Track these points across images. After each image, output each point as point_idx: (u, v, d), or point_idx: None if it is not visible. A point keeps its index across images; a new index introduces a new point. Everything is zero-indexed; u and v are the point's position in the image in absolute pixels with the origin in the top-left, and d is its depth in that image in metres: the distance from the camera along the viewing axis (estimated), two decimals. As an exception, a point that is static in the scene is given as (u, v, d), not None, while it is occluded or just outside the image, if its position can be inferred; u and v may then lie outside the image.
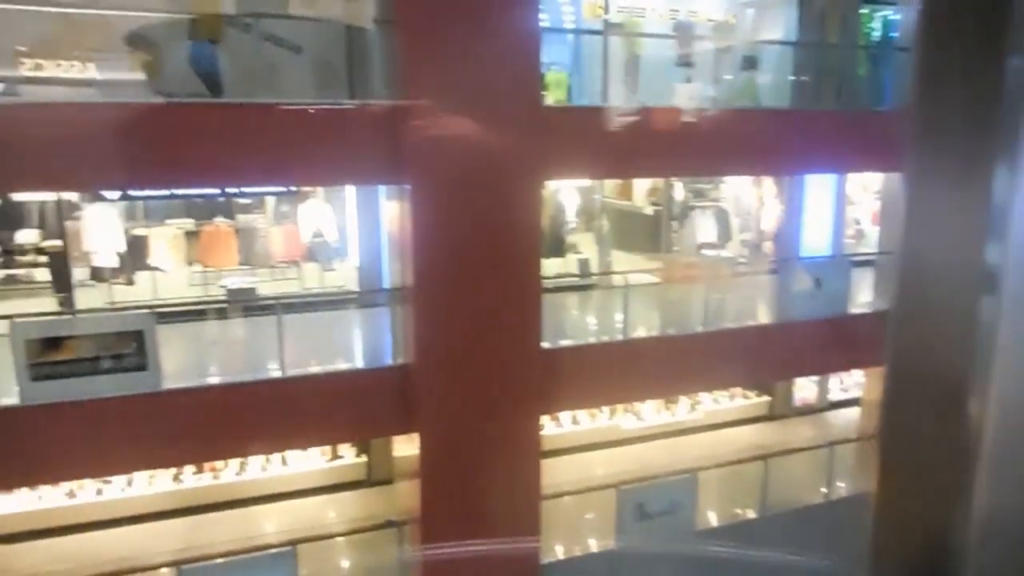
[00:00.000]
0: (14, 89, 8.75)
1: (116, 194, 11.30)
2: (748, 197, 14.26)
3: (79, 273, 11.45)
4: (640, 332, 9.92)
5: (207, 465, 11.01)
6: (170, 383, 7.37)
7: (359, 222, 11.32)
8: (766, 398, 14.23)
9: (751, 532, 10.97)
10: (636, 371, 9.14)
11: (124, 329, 7.21)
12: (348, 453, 11.79)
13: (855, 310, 10.77)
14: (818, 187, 13.21)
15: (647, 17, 12.51)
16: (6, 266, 12.41)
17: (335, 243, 12.46)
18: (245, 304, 10.40)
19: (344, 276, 12.61)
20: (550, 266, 12.42)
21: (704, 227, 13.75)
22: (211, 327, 10.28)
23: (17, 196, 12.05)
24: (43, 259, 12.01)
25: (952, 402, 1.11)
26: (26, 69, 8.99)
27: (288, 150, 7.27)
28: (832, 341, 10.49)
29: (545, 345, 8.14)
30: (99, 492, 10.59)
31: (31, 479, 8.37)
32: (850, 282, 10.55)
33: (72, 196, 11.34)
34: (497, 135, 7.33)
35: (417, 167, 7.22)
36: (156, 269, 12.03)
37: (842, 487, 11.83)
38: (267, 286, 12.02)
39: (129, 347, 7.16)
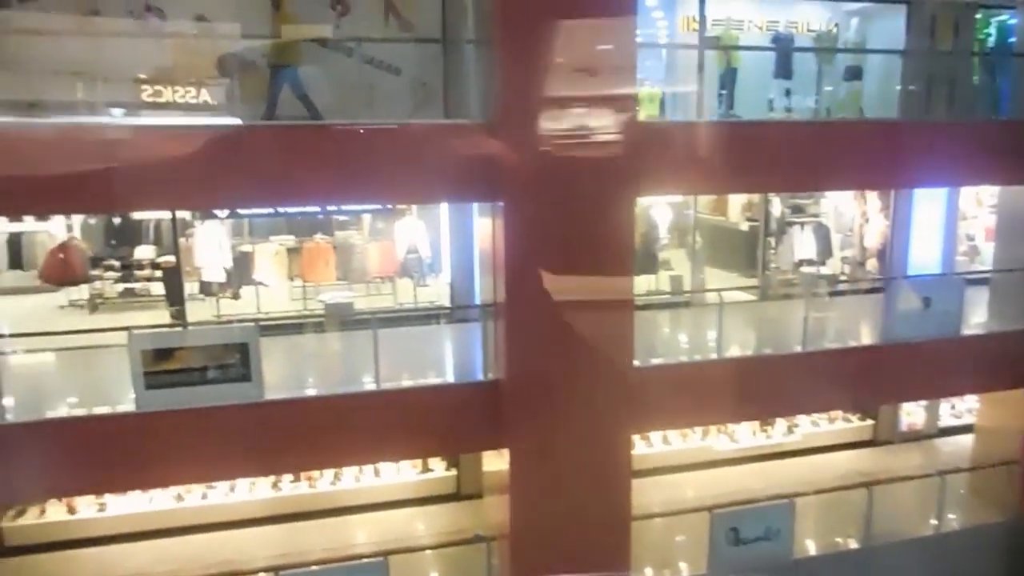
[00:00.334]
0: (135, 114, 9.33)
1: (225, 212, 11.89)
2: (851, 212, 13.69)
3: (190, 287, 12.07)
4: (734, 351, 9.64)
5: (304, 474, 11.35)
6: (271, 394, 7.65)
7: (452, 239, 11.50)
8: (869, 422, 13.54)
9: (853, 563, 10.43)
10: (730, 391, 8.88)
11: (230, 341, 7.55)
12: (438, 467, 11.92)
13: (969, 331, 10.15)
14: (928, 201, 12.54)
15: (744, 29, 12.26)
16: (125, 280, 13.22)
17: (428, 259, 12.69)
18: (342, 318, 10.72)
19: (437, 292, 12.83)
20: (642, 283, 12.27)
21: (803, 243, 13.28)
22: (309, 340, 10.63)
23: (136, 214, 12.88)
24: (158, 274, 12.75)
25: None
26: (146, 95, 9.60)
27: (385, 169, 7.46)
28: (943, 364, 9.92)
29: (637, 363, 8.02)
30: (204, 496, 11.07)
31: (144, 482, 8.84)
32: (963, 302, 9.96)
33: (185, 214, 11.98)
34: (590, 152, 7.32)
35: (510, 184, 7.27)
36: (260, 284, 12.55)
37: (954, 519, 11.12)
38: (363, 301, 12.36)
39: (234, 358, 7.49)
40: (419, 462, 11.83)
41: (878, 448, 13.38)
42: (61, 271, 11.99)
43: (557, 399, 7.70)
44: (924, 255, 12.52)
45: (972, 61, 11.22)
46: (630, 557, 8.28)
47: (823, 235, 13.56)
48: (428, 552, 10.05)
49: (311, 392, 8.41)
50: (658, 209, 13.37)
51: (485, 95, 7.82)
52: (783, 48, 11.22)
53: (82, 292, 12.85)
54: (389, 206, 12.56)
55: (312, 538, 10.54)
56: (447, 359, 10.04)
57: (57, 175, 6.71)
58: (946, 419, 13.87)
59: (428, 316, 11.88)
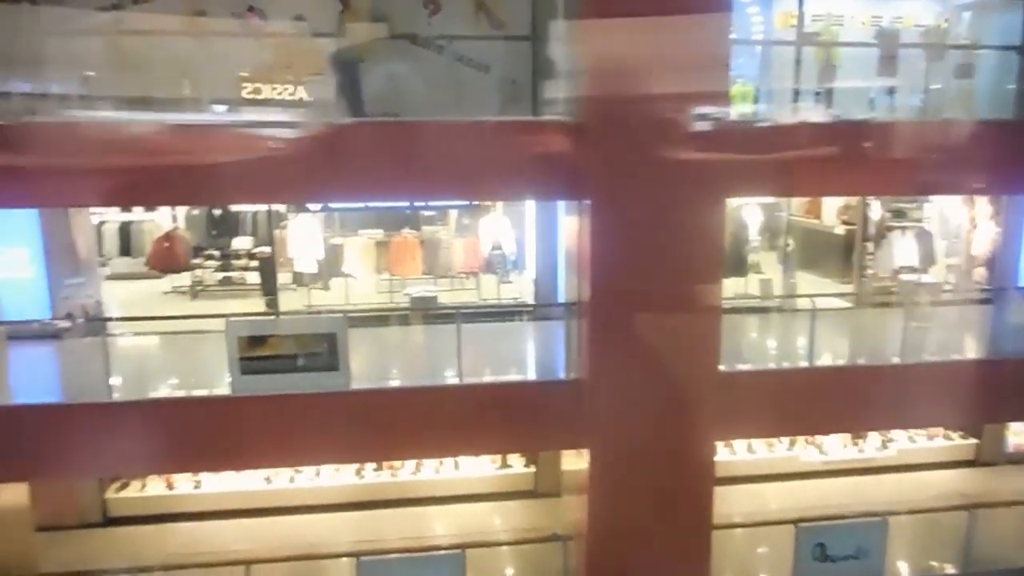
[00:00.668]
0: (235, 110, 9.71)
1: (317, 206, 12.27)
2: (957, 218, 12.94)
3: (283, 277, 12.51)
4: (826, 360, 9.28)
5: (386, 463, 11.61)
6: (357, 384, 7.84)
7: (537, 236, 11.51)
8: (972, 441, 12.80)
9: (950, 589, 9.91)
10: (820, 401, 8.55)
11: (320, 331, 7.78)
12: (517, 463, 11.97)
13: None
14: (1044, 208, 11.74)
15: (846, 25, 11.76)
16: (224, 269, 13.84)
17: (513, 256, 12.74)
18: (426, 312, 10.89)
19: (520, 289, 12.86)
20: (730, 285, 11.97)
21: (904, 249, 12.63)
22: (394, 333, 10.85)
23: (236, 207, 13.45)
24: (254, 264, 13.28)
25: None
26: (246, 93, 9.99)
27: (472, 165, 7.51)
28: (1058, 382, 9.26)
29: (722, 368, 7.82)
30: (291, 480, 11.48)
31: (236, 463, 9.22)
32: (1081, 315, 9.27)
33: (281, 207, 12.41)
34: (680, 151, 7.17)
35: (597, 183, 7.21)
36: (349, 276, 12.90)
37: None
38: (447, 295, 12.53)
39: (323, 348, 7.71)
40: (498, 457, 11.91)
41: (980, 469, 12.64)
42: (166, 259, 12.65)
43: (639, 401, 7.59)
44: (1038, 265, 11.75)
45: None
46: (709, 566, 8.09)
47: (926, 241, 12.87)
48: (504, 548, 10.11)
49: (395, 384, 8.59)
50: (749, 210, 13.00)
51: (573, 92, 7.78)
52: (887, 44, 10.71)
53: (184, 279, 13.51)
54: (475, 202, 12.68)
55: (391, 526, 10.78)
56: (529, 356, 10.05)
57: (166, 168, 7.07)
58: (1059, 441, 12.98)
59: (511, 313, 11.94)
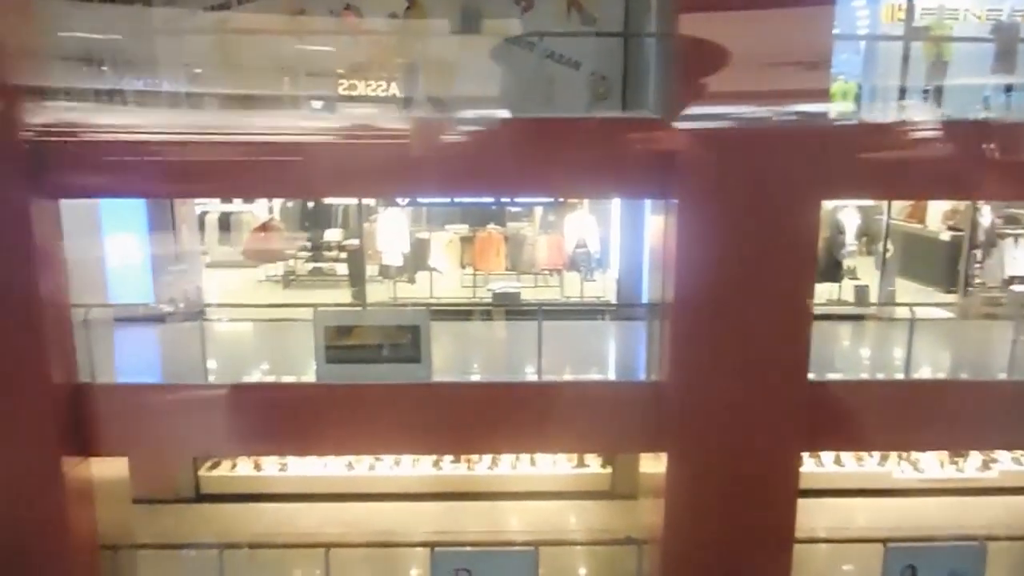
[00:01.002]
0: (332, 107, 9.99)
1: (405, 200, 12.50)
2: (1077, 225, 12.06)
3: (371, 269, 12.82)
4: (925, 372, 8.80)
5: (464, 456, 11.73)
6: (439, 376, 7.94)
7: (622, 234, 11.38)
8: (1086, 466, 11.92)
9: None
10: (917, 416, 8.11)
11: (403, 323, 7.92)
12: (594, 463, 11.89)
13: None
14: None
15: (960, 19, 11.11)
16: (315, 259, 14.30)
17: (597, 254, 12.65)
18: (509, 308, 10.94)
19: (603, 287, 12.76)
20: (823, 291, 11.54)
21: (1017, 258, 11.86)
22: (476, 327, 10.95)
23: (328, 200, 13.85)
24: (343, 255, 13.66)
25: None
26: (342, 89, 10.26)
27: (560, 162, 7.48)
28: None
29: (811, 376, 7.53)
30: (371, 468, 11.76)
31: (319, 449, 9.50)
32: None
33: (370, 201, 12.71)
34: (773, 149, 6.94)
35: (686, 181, 7.05)
36: (434, 270, 13.09)
37: None
38: (530, 292, 12.55)
39: (407, 340, 7.85)
40: (575, 456, 11.85)
41: (1094, 495, 11.75)
42: (262, 248, 13.16)
43: (722, 407, 7.40)
44: None
45: None
46: (790, 581, 7.83)
47: (1041, 250, 12.05)
48: (578, 548, 10.06)
49: (475, 378, 8.66)
50: (846, 213, 12.46)
51: (664, 89, 7.63)
52: (1006, 39, 10.04)
53: (277, 268, 14.03)
54: (561, 199, 12.64)
55: (466, 519, 10.89)
56: (609, 356, 9.95)
57: (267, 162, 7.35)
58: None
59: (593, 311, 11.85)
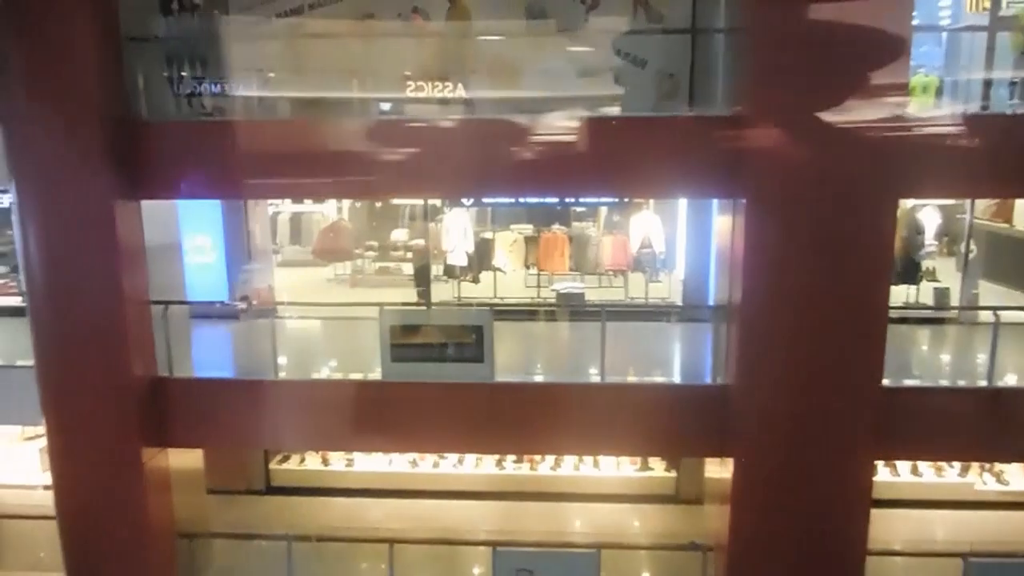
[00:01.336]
0: (400, 108, 10.13)
1: (470, 200, 12.57)
2: None
3: (436, 269, 12.95)
4: (1009, 380, 8.37)
5: (526, 456, 11.73)
6: (501, 376, 7.97)
7: (688, 235, 11.19)
8: None
9: None
10: (1000, 426, 7.73)
11: (467, 323, 7.98)
12: (658, 466, 11.73)
13: None
14: None
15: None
16: (381, 259, 14.54)
17: (662, 255, 12.47)
18: (573, 308, 10.89)
19: (669, 288, 12.58)
20: (900, 293, 11.11)
21: (1113, 260, 11.17)
22: (540, 327, 10.93)
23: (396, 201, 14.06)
24: (409, 255, 13.84)
25: None
26: (409, 91, 10.38)
27: (626, 161, 7.41)
28: None
29: (886, 382, 7.26)
30: (435, 465, 11.88)
31: (384, 445, 9.67)
32: None
33: (436, 201, 12.84)
34: (848, 147, 6.71)
35: (755, 180, 6.89)
36: (498, 270, 13.14)
37: None
38: (594, 292, 12.47)
39: (470, 339, 7.90)
40: (639, 459, 11.72)
41: None
42: (331, 248, 13.44)
43: (791, 412, 7.20)
44: None
45: None
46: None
47: None
48: (641, 552, 9.94)
49: (538, 378, 8.65)
50: (925, 212, 11.95)
51: (733, 86, 7.47)
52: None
53: (346, 267, 14.32)
54: (626, 199, 12.51)
55: (528, 519, 10.88)
56: (674, 358, 9.81)
57: (339, 164, 7.53)
58: None
59: (658, 312, 11.70)
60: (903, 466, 11.49)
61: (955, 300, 11.28)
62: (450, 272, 12.85)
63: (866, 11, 6.54)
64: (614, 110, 8.60)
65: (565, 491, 11.60)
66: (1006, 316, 8.55)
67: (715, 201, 9.40)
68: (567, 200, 13.05)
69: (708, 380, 8.33)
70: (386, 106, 9.96)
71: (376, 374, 8.05)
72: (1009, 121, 7.60)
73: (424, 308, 11.31)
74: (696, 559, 8.61)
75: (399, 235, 14.52)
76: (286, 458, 12.22)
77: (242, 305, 10.11)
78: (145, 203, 7.74)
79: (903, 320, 10.14)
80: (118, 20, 7.36)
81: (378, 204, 14.41)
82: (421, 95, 10.37)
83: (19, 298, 8.89)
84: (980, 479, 11.42)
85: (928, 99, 9.65)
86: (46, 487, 8.40)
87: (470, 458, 11.92)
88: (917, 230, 11.76)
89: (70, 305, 7.52)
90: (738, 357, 7.21)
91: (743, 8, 7.10)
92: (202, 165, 7.64)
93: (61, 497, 7.95)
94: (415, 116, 9.43)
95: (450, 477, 11.78)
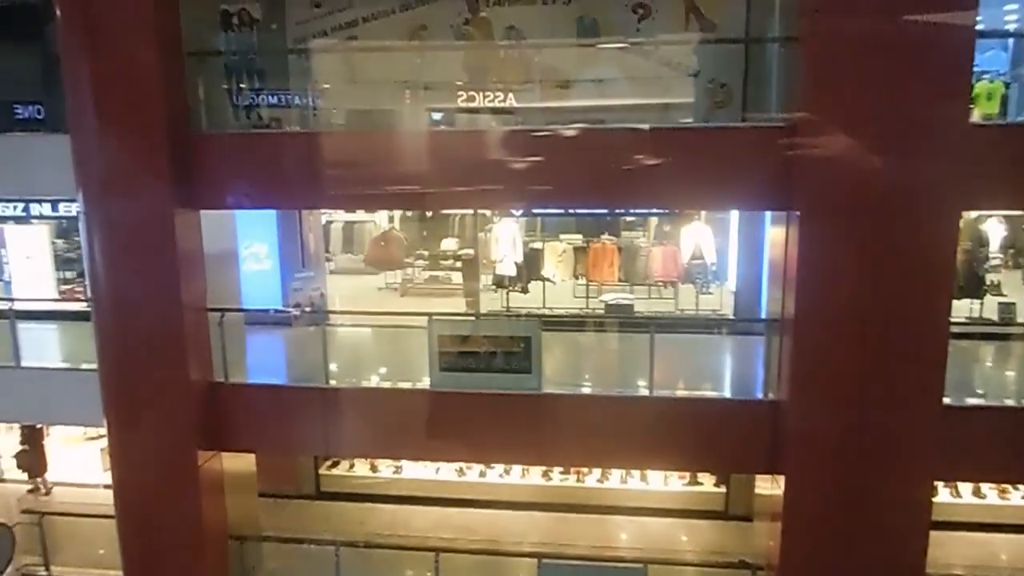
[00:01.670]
0: (451, 118, 10.22)
1: (519, 211, 12.62)
2: None
3: (485, 279, 13.01)
4: (1081, 400, 8.01)
5: (573, 468, 11.67)
6: (549, 387, 7.95)
7: (740, 247, 11.02)
8: None
9: None
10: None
11: (515, 334, 7.98)
12: (708, 481, 11.54)
13: None
14: None
15: None
16: (431, 268, 14.68)
17: (713, 266, 12.31)
18: (621, 319, 10.81)
19: (720, 300, 12.40)
20: (963, 308, 10.74)
21: None
22: (589, 338, 10.88)
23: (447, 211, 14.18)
24: (458, 265, 13.95)
25: None
26: (460, 101, 10.47)
27: (677, 173, 7.33)
28: None
29: (947, 400, 7.00)
30: (482, 475, 11.90)
31: (432, 454, 9.73)
32: None
33: (486, 211, 12.91)
34: (907, 158, 6.52)
35: (809, 192, 6.75)
36: (547, 280, 13.13)
37: None
38: (643, 304, 12.36)
39: (518, 350, 7.90)
40: (687, 474, 11.56)
41: None
42: (382, 257, 13.64)
43: (845, 429, 6.99)
44: None
45: None
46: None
47: None
48: (689, 568, 9.77)
49: (586, 390, 8.60)
50: (989, 224, 11.56)
51: (787, 96, 7.33)
52: None
53: (396, 276, 14.49)
54: (677, 210, 12.39)
55: (574, 531, 10.82)
56: (725, 372, 9.65)
57: (393, 175, 7.63)
58: None
59: (709, 325, 11.54)
60: (965, 487, 11.09)
61: (1022, 315, 10.86)
62: (499, 282, 12.91)
63: (927, 16, 6.36)
64: (667, 119, 8.54)
65: (612, 504, 11.50)
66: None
67: (768, 212, 9.23)
68: (616, 210, 12.99)
69: (759, 395, 8.16)
70: (437, 115, 10.08)
71: (424, 383, 8.11)
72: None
73: (473, 318, 11.37)
74: (746, 577, 8.44)
75: (449, 244, 14.64)
76: (335, 464, 12.39)
77: (295, 312, 10.30)
78: (204, 212, 7.95)
79: (966, 335, 9.79)
80: (180, 36, 7.59)
81: (429, 214, 14.55)
82: (471, 105, 10.46)
83: (84, 303, 9.24)
84: (1048, 503, 10.95)
85: (993, 106, 9.36)
86: (106, 486, 8.69)
87: (517, 468, 11.91)
88: (981, 242, 11.38)
89: (132, 311, 7.77)
90: (791, 372, 7.05)
91: (799, 16, 6.97)
92: (259, 175, 7.84)
93: (120, 496, 8.19)
94: (468, 127, 9.53)
95: (497, 487, 11.79)
